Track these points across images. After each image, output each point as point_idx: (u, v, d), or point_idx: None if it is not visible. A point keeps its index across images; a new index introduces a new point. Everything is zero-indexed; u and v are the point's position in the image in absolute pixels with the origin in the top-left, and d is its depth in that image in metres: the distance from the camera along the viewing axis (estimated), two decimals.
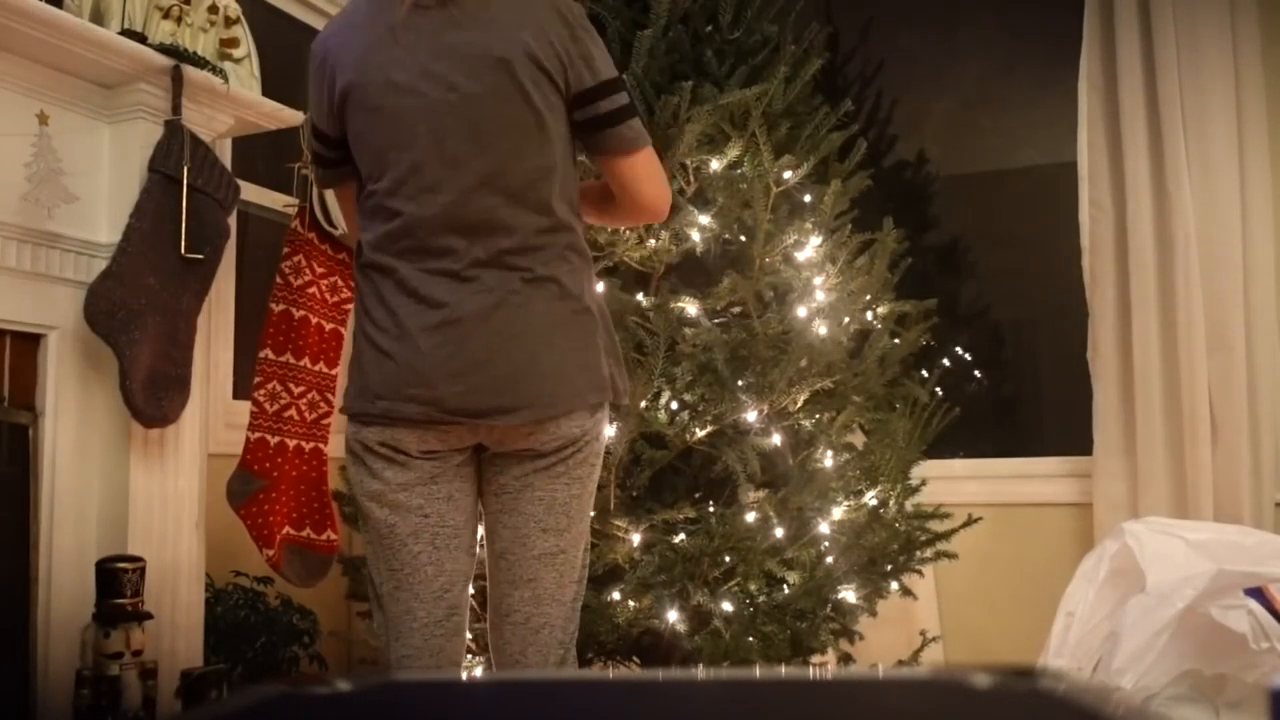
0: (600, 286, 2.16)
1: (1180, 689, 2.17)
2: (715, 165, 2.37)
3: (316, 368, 2.51)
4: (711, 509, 2.27)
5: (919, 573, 2.67)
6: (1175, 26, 2.93)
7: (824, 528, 2.32)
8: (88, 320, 2.02)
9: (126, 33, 2.11)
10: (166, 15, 2.19)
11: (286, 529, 2.43)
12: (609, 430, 2.18)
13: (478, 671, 2.21)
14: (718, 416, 2.25)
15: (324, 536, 2.50)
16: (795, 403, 2.34)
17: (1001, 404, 3.59)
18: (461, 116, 1.51)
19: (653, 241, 2.35)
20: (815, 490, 2.30)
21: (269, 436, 2.42)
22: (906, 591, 2.61)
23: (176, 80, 2.15)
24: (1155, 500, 2.90)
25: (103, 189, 2.16)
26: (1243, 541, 2.39)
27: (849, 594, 2.38)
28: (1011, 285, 3.56)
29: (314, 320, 2.50)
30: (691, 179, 2.39)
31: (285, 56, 2.86)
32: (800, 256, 2.43)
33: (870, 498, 2.40)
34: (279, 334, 2.44)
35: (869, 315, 2.55)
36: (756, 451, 2.26)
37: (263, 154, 2.88)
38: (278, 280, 2.46)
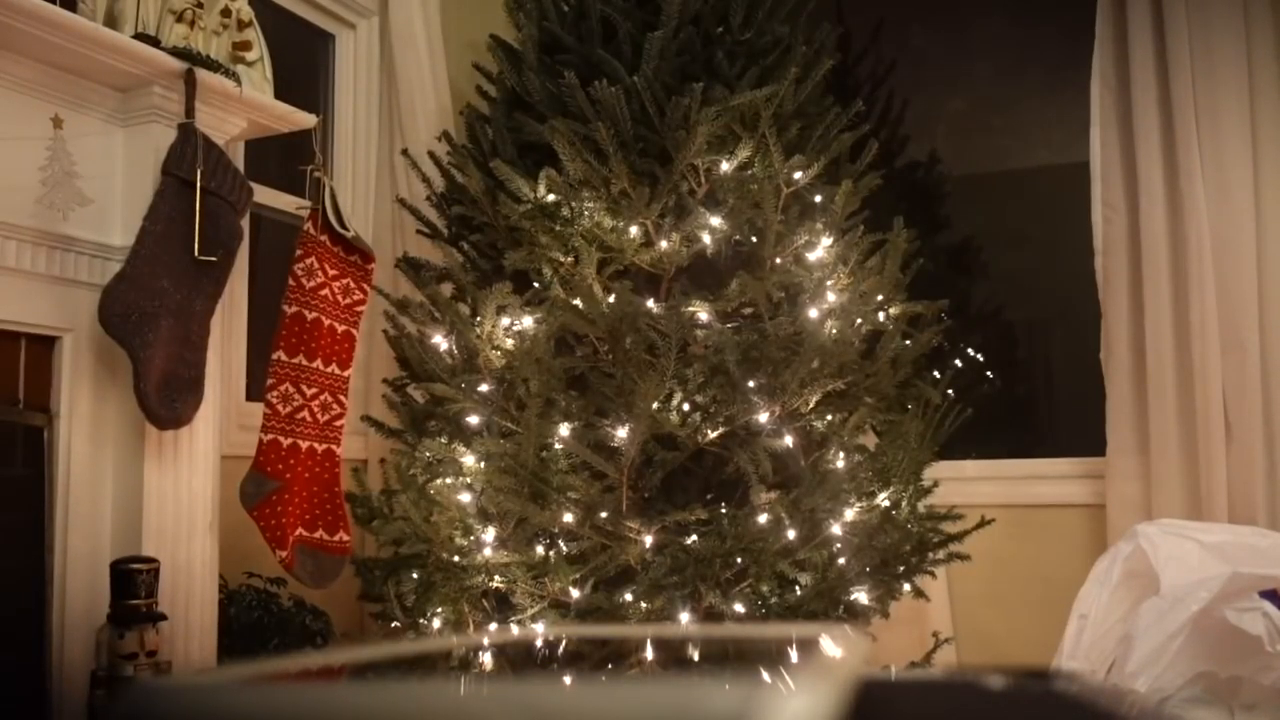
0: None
1: (1195, 692, 2.16)
2: (726, 166, 2.37)
3: (329, 370, 2.51)
4: (723, 510, 2.27)
5: (931, 574, 2.66)
6: (1188, 25, 2.92)
7: (836, 529, 2.32)
8: (102, 323, 2.03)
9: (140, 36, 2.12)
10: (180, 19, 2.20)
11: (299, 530, 2.43)
12: (621, 432, 2.19)
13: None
14: (729, 418, 2.25)
15: (336, 538, 2.50)
16: (807, 404, 2.34)
17: (1014, 405, 3.58)
18: None
19: (663, 243, 2.35)
20: (827, 491, 2.30)
21: (282, 438, 2.43)
22: (919, 593, 2.60)
23: (190, 83, 2.16)
24: (1169, 502, 2.88)
25: (117, 192, 2.17)
26: (1258, 543, 2.38)
27: (861, 595, 2.38)
28: (1024, 285, 3.55)
29: (326, 322, 2.51)
30: (702, 180, 2.39)
31: (298, 60, 2.86)
32: (811, 257, 2.42)
33: (882, 499, 2.40)
34: (292, 336, 2.45)
35: (881, 316, 2.54)
36: (768, 453, 2.25)
37: (275, 156, 2.89)
38: (290, 282, 2.47)
